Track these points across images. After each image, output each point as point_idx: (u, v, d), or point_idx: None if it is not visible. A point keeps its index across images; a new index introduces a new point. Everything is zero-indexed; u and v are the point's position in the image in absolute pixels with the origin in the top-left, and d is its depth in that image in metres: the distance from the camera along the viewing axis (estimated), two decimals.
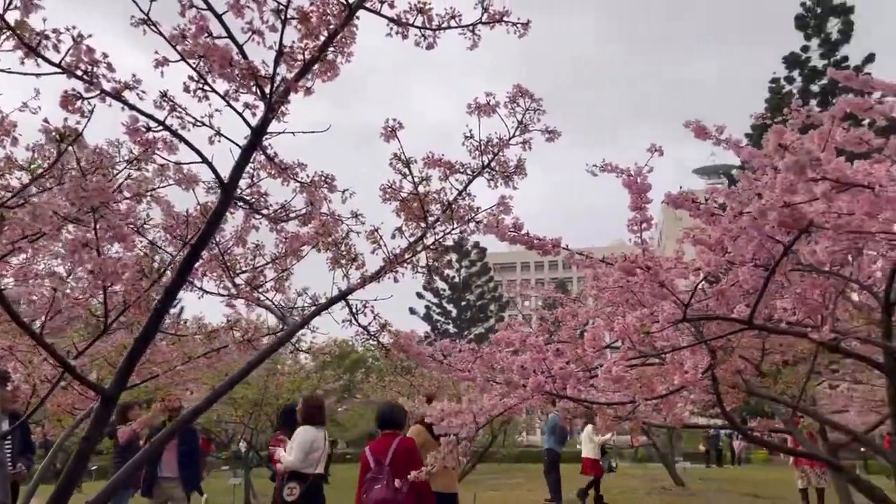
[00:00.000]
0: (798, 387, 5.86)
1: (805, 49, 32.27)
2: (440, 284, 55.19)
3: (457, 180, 3.29)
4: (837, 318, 5.18)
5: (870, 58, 29.82)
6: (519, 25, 2.67)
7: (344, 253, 3.15)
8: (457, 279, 55.36)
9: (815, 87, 31.12)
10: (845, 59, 30.64)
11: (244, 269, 3.27)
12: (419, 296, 54.58)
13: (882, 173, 2.29)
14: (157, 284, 2.77)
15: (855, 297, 5.41)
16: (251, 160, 2.45)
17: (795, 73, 32.20)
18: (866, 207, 2.13)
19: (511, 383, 3.32)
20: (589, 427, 13.30)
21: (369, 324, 3.18)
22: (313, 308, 3.04)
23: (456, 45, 2.68)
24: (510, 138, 3.21)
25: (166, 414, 7.58)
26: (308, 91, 2.64)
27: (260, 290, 3.20)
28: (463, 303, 54.85)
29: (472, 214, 3.15)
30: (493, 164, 3.22)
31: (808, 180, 2.04)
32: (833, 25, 32.00)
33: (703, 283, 3.95)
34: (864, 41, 39.26)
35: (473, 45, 2.62)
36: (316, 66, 2.53)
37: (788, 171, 2.02)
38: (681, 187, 3.04)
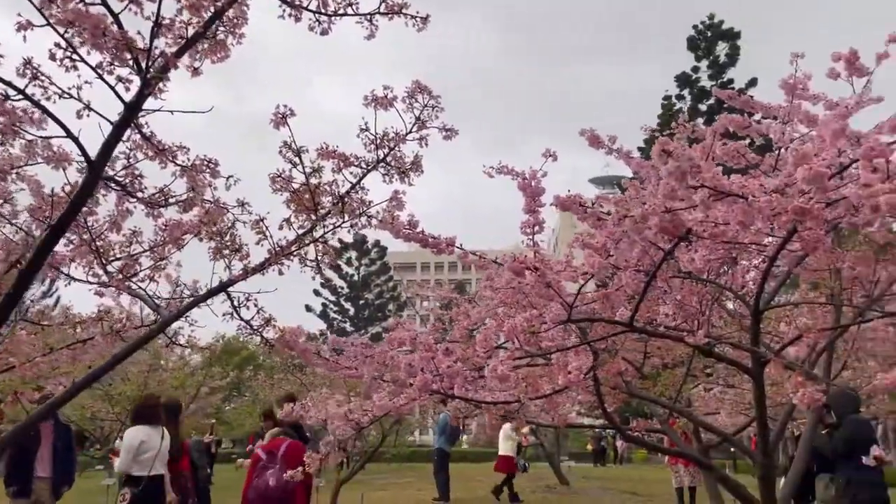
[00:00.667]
0: (674, 389, 6.14)
1: (695, 69, 34.10)
2: (338, 282, 54.55)
3: (351, 173, 3.22)
4: (713, 325, 5.46)
5: (752, 81, 31.84)
6: (418, 19, 2.64)
7: (228, 243, 3.01)
8: (356, 277, 54.87)
9: (703, 107, 32.92)
10: (731, 80, 32.57)
11: (118, 256, 3.07)
12: (316, 293, 53.74)
13: (755, 186, 2.40)
14: (16, 268, 2.54)
15: (730, 305, 5.72)
16: (125, 139, 2.29)
17: (686, 92, 33.96)
18: (740, 216, 2.23)
19: (398, 382, 3.29)
20: (507, 425, 13.45)
21: (252, 318, 3.05)
22: (190, 299, 2.89)
23: (358, 41, 2.61)
24: (407, 133, 3.16)
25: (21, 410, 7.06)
26: (196, 71, 2.50)
27: (134, 279, 3.01)
28: (361, 301, 54.41)
29: (365, 208, 3.08)
30: (388, 158, 3.17)
31: (689, 187, 2.11)
32: (721, 49, 33.98)
33: (592, 286, 4.06)
34: (750, 66, 41.91)
35: (371, 35, 2.56)
36: (205, 45, 2.41)
37: (670, 177, 2.09)
38: (569, 191, 3.09)
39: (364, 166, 3.13)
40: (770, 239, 3.60)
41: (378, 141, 3.07)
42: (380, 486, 16.08)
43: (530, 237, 3.95)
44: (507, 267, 2.95)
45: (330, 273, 54.51)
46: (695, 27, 34.57)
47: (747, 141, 4.55)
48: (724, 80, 32.80)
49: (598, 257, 2.87)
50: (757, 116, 4.77)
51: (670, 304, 4.87)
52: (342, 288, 54.64)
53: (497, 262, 3.84)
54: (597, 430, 23.45)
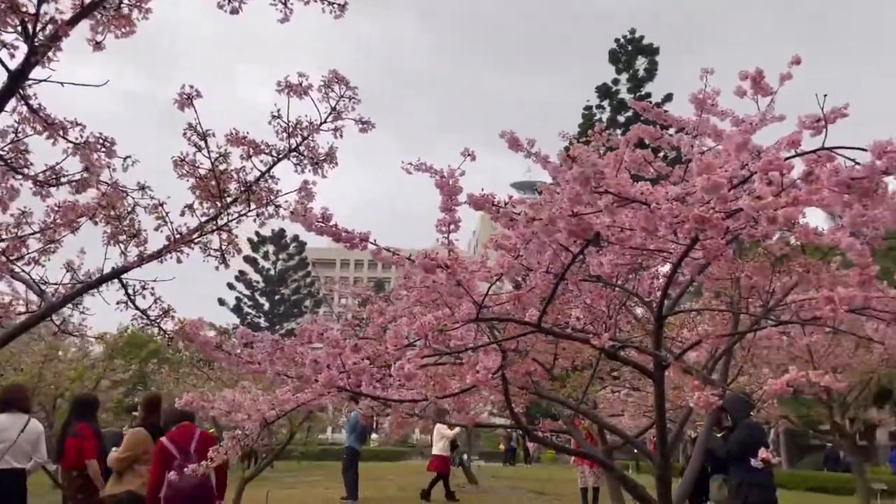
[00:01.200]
0: (581, 391, 6.27)
1: (615, 82, 35.14)
2: (254, 276, 53.31)
3: (261, 161, 3.11)
4: (620, 329, 5.61)
5: (668, 97, 33.04)
6: (336, 6, 2.57)
7: (126, 228, 2.85)
8: (272, 272, 53.76)
9: (621, 118, 33.94)
10: (649, 94, 33.71)
11: (3, 237, 2.86)
12: (230, 287, 52.34)
13: (660, 194, 2.46)
14: None
15: (639, 311, 5.89)
16: (11, 110, 2.13)
17: (606, 103, 34.93)
18: (643, 222, 2.27)
19: (303, 378, 3.20)
20: (440, 425, 13.42)
21: (149, 308, 2.90)
22: (79, 285, 2.72)
23: (283, 34, 2.52)
24: (321, 123, 3.09)
25: None
26: (98, 45, 2.36)
27: (19, 262, 2.81)
28: (277, 297, 53.34)
29: (273, 198, 2.98)
30: (301, 148, 3.08)
31: (593, 192, 2.14)
32: (641, 64, 35.14)
33: (506, 287, 4.09)
34: (668, 81, 43.47)
35: (285, 19, 2.48)
36: (106, 17, 2.27)
37: (575, 182, 2.11)
38: (482, 189, 3.08)
39: (275, 155, 3.03)
40: (675, 247, 3.72)
41: (290, 129, 2.98)
42: (288, 485, 15.78)
43: (445, 235, 3.94)
44: (418, 264, 2.92)
45: (245, 266, 53.30)
46: (616, 41, 35.62)
47: (662, 154, 4.69)
48: (643, 93, 33.91)
49: (508, 257, 2.87)
50: (672, 130, 4.93)
51: (580, 307, 4.97)
52: (257, 282, 53.44)
53: (411, 259, 3.80)
54: (508, 430, 23.79)
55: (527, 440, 32.81)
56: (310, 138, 3.06)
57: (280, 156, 2.99)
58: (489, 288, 3.06)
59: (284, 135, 3.03)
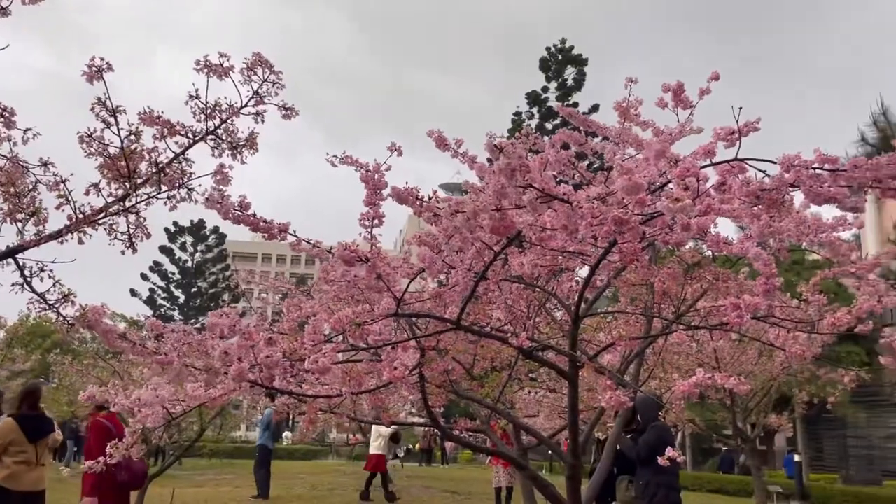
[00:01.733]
0: (499, 391, 6.32)
1: (545, 89, 35.76)
2: (170, 267, 51.51)
3: (176, 143, 2.98)
4: (540, 331, 5.69)
5: (595, 107, 33.85)
6: None
7: (24, 206, 2.68)
8: (189, 263, 52.08)
9: (549, 125, 34.54)
10: (577, 104, 34.43)
11: None
12: (144, 277, 50.41)
13: (582, 196, 2.48)
14: None
15: (559, 313, 5.98)
16: None
17: (535, 110, 35.49)
18: (563, 220, 2.29)
19: (211, 370, 3.08)
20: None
21: (48, 291, 2.73)
22: None
23: (206, 22, 2.41)
24: (242, 107, 2.98)
25: None
26: (3, 11, 2.20)
27: None
28: (193, 289, 51.69)
29: (185, 180, 2.86)
30: (219, 130, 2.96)
31: (517, 186, 2.14)
32: (570, 73, 35.88)
33: (431, 286, 4.06)
34: (596, 93, 44.55)
35: None
36: None
37: (500, 173, 2.10)
38: (406, 182, 3.05)
39: (191, 136, 2.91)
40: (594, 250, 3.78)
41: (208, 111, 2.86)
42: (196, 483, 15.29)
43: (368, 230, 3.88)
44: (337, 255, 2.86)
45: (161, 257, 51.42)
46: (547, 49, 36.26)
47: (586, 161, 4.79)
48: (571, 102, 34.63)
49: (430, 252, 2.85)
50: (598, 139, 5.03)
51: (501, 307, 5.00)
52: (173, 274, 51.65)
53: (331, 252, 3.73)
54: (426, 429, 23.82)
55: (443, 440, 32.97)
56: (229, 121, 2.95)
57: (196, 138, 2.87)
58: (409, 283, 3.02)
59: (202, 116, 2.91)
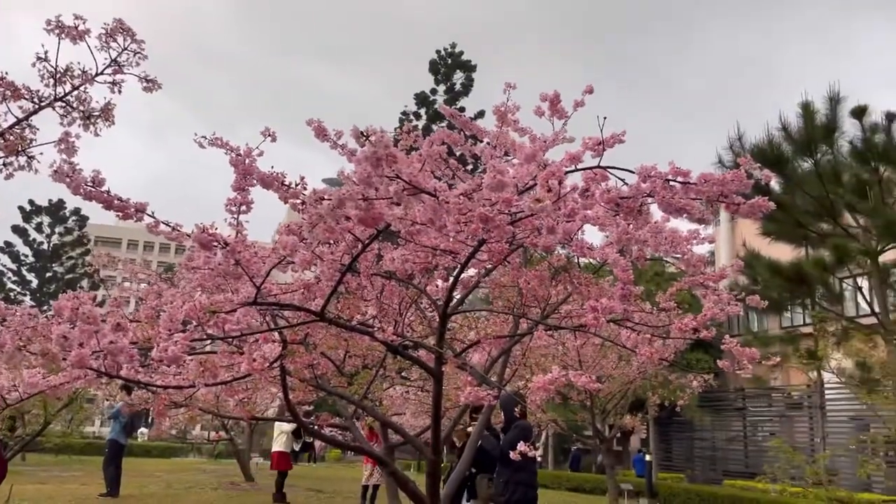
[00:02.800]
0: (376, 387, 6.29)
1: (434, 92, 36.03)
2: (23, 249, 47.63)
3: (20, 108, 2.73)
4: (412, 328, 5.69)
5: (481, 113, 34.46)
6: None
7: None
8: (45, 246, 48.36)
9: (436, 127, 34.76)
10: (464, 108, 34.92)
11: None
12: None
13: (450, 193, 2.49)
14: None
15: (432, 313, 6.01)
16: None
17: (423, 111, 35.67)
18: (430, 213, 2.29)
19: (48, 355, 2.84)
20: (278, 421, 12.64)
21: None
22: None
23: None
24: (98, 74, 2.77)
25: None
26: None
27: None
28: (48, 274, 48.05)
29: (25, 146, 2.62)
30: (70, 98, 2.74)
31: (384, 176, 2.11)
32: (458, 78, 36.35)
33: (306, 277, 3.94)
34: (484, 99, 45.47)
35: None
36: None
37: (366, 161, 2.07)
38: (272, 167, 2.95)
39: (37, 101, 2.67)
40: (465, 248, 3.83)
41: (58, 75, 2.64)
42: (39, 479, 14.18)
43: (235, 216, 3.73)
44: (193, 238, 2.72)
45: (14, 238, 47.42)
46: (437, 52, 36.56)
47: (469, 166, 4.84)
48: (458, 106, 35.09)
49: (293, 239, 2.77)
50: (480, 144, 5.10)
51: (371, 301, 4.97)
52: (26, 256, 47.79)
53: (191, 235, 3.55)
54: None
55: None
56: (82, 89, 2.73)
57: (43, 103, 2.64)
58: (269, 271, 2.92)
59: (51, 81, 2.68)
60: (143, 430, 34.36)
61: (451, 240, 3.42)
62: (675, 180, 2.89)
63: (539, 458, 4.79)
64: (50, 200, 48.76)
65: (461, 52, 36.68)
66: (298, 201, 2.77)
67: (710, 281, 4.79)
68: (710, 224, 2.95)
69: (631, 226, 3.51)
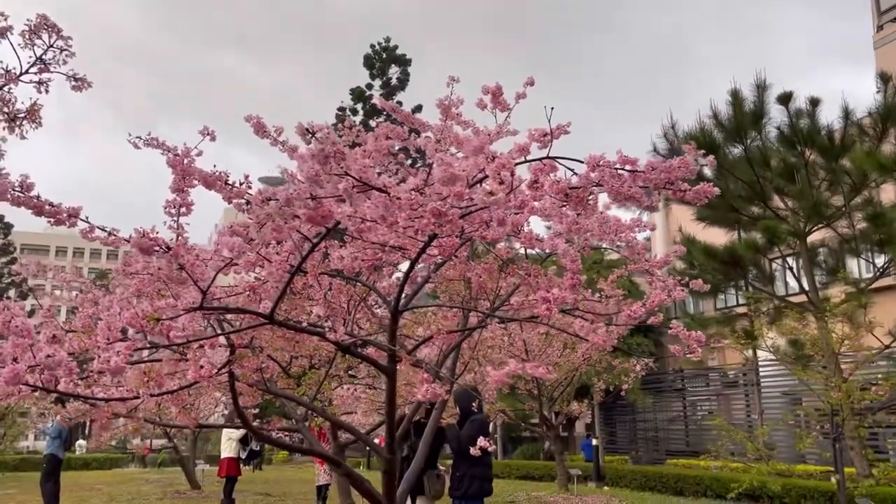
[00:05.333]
0: (315, 388, 6.18)
1: (370, 87, 35.73)
2: None
3: None
4: (360, 327, 5.62)
5: (418, 108, 34.29)
6: None
7: None
8: None
9: (373, 123, 34.47)
10: (401, 103, 34.74)
11: None
12: None
13: (401, 189, 2.45)
14: None
15: (379, 309, 5.95)
16: None
17: (360, 107, 35.33)
18: (381, 210, 2.24)
19: None
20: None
21: None
22: None
23: None
24: (23, 73, 2.62)
25: None
26: None
27: None
28: None
29: None
30: None
31: (332, 174, 2.05)
32: (394, 73, 36.15)
33: (247, 279, 3.83)
34: (420, 94, 45.29)
35: None
36: None
37: (313, 159, 2.01)
38: (215, 166, 2.85)
39: None
40: (414, 244, 3.79)
41: None
42: None
43: (175, 218, 3.60)
44: (133, 244, 2.60)
45: None
46: (372, 46, 36.26)
47: (409, 161, 4.80)
48: (395, 101, 34.90)
49: (239, 240, 2.68)
50: (421, 136, 5.06)
51: (319, 301, 4.88)
52: None
53: (129, 240, 3.40)
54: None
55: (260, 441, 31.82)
56: (5, 89, 2.58)
57: None
58: (216, 275, 2.82)
59: None
60: (80, 442, 33.17)
61: (400, 236, 3.37)
62: (623, 169, 2.91)
63: (491, 449, 4.80)
64: None
65: (396, 47, 36.50)
66: (243, 201, 2.68)
67: (654, 267, 4.88)
68: (656, 211, 2.99)
69: (580, 215, 3.54)
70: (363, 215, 2.71)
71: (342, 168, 2.04)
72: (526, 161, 2.97)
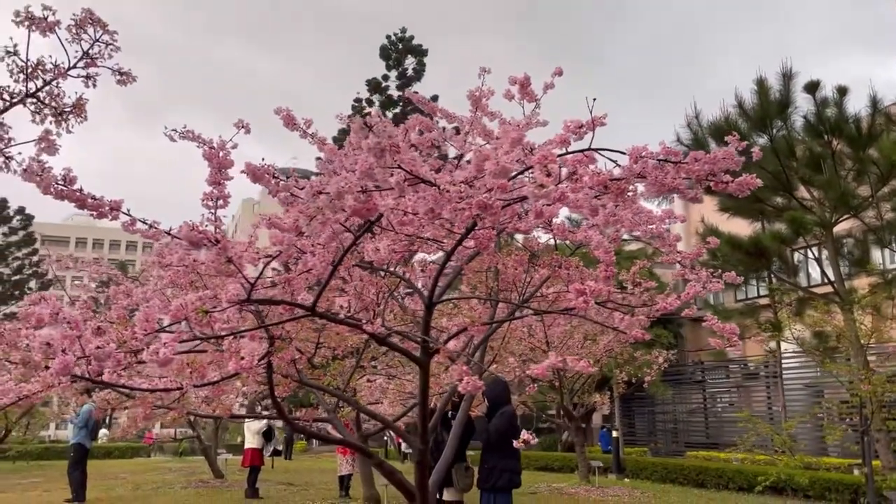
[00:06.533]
0: (342, 379, 6.22)
1: (385, 78, 35.65)
2: None
3: None
4: (384, 318, 5.63)
5: (434, 98, 34.28)
6: None
7: None
8: None
9: (389, 114, 34.51)
10: (416, 93, 34.64)
11: None
12: None
13: (446, 178, 2.45)
14: None
15: (405, 301, 5.97)
16: None
17: (376, 98, 35.29)
18: (430, 203, 2.25)
19: (29, 363, 2.73)
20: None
21: None
22: None
23: None
24: (70, 68, 2.65)
25: None
26: None
27: None
28: None
29: (1, 146, 2.49)
30: (42, 93, 2.62)
31: (386, 167, 2.06)
32: (410, 63, 36.06)
33: (275, 269, 3.86)
34: (435, 84, 45.20)
35: None
36: None
37: (370, 153, 2.01)
38: (263, 159, 2.86)
39: (8, 98, 2.54)
40: (446, 236, 3.79)
41: (29, 70, 2.51)
42: None
43: (212, 211, 3.63)
44: (183, 236, 2.62)
45: None
46: (388, 37, 36.18)
47: (435, 154, 4.79)
48: (412, 91, 34.80)
49: (288, 234, 2.69)
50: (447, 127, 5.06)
51: (350, 293, 4.90)
52: None
53: (171, 233, 3.43)
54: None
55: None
56: (53, 84, 2.61)
57: (14, 100, 2.51)
58: (264, 267, 2.84)
59: (21, 76, 2.55)
60: (103, 431, 33.61)
61: (437, 228, 3.38)
62: (665, 160, 2.89)
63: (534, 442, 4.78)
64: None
65: (412, 37, 36.38)
66: (288, 194, 2.70)
67: (687, 259, 4.85)
68: (700, 202, 2.97)
69: (618, 207, 3.53)
70: (405, 208, 2.72)
71: (395, 162, 2.05)
72: (568, 153, 2.96)
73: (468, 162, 3.49)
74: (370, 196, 2.22)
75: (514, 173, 2.93)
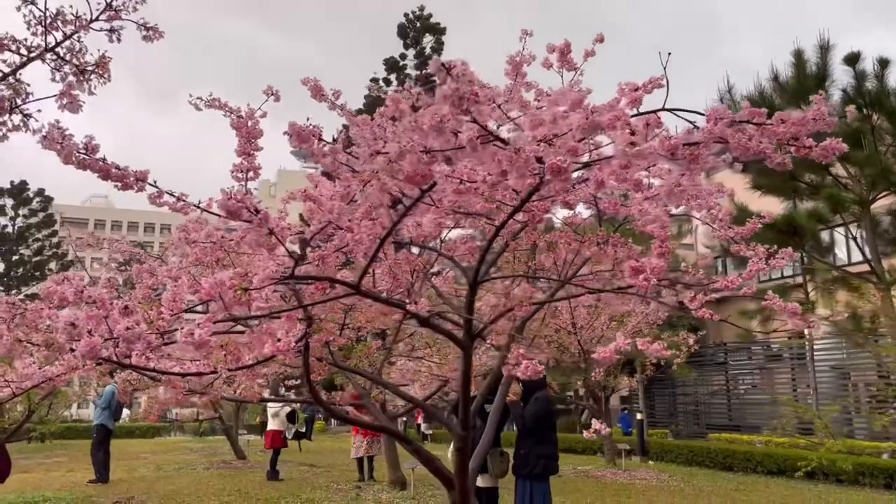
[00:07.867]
0: (374, 360, 6.01)
1: (403, 56, 35.24)
2: None
3: (5, 62, 2.35)
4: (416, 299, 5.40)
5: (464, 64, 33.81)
6: None
7: None
8: (9, 228, 46.96)
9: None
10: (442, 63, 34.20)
11: None
12: None
13: (524, 138, 2.19)
14: None
15: (436, 280, 5.72)
16: None
17: (393, 77, 34.90)
18: (504, 164, 1.98)
19: (54, 346, 2.51)
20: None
21: None
22: None
23: None
24: (93, 20, 2.40)
25: None
26: None
27: None
28: (14, 257, 46.71)
29: (19, 102, 2.25)
30: (62, 49, 2.37)
31: (461, 112, 1.79)
32: (428, 41, 35.58)
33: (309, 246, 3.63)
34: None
35: None
36: None
37: (446, 100, 1.76)
38: (308, 118, 2.60)
39: (25, 52, 2.29)
40: (495, 209, 3.53)
41: (48, 21, 2.26)
42: (22, 468, 13.78)
43: (243, 182, 3.39)
44: (220, 206, 2.37)
45: None
46: (406, 15, 35.72)
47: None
48: (429, 70, 34.40)
49: (339, 203, 2.44)
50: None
51: (382, 272, 4.66)
52: None
53: (200, 206, 3.19)
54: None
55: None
56: (75, 37, 2.36)
57: (32, 54, 2.27)
58: (308, 241, 2.60)
59: (40, 28, 2.30)
60: (125, 411, 33.86)
61: (489, 200, 3.12)
62: (749, 122, 2.61)
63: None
64: (12, 182, 47.29)
65: (430, 15, 35.88)
66: (329, 159, 2.44)
67: (741, 235, 4.56)
68: (788, 167, 2.67)
69: (684, 177, 3.24)
70: (460, 175, 2.46)
71: (474, 112, 1.79)
72: (640, 114, 2.68)
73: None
74: (434, 157, 1.96)
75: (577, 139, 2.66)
